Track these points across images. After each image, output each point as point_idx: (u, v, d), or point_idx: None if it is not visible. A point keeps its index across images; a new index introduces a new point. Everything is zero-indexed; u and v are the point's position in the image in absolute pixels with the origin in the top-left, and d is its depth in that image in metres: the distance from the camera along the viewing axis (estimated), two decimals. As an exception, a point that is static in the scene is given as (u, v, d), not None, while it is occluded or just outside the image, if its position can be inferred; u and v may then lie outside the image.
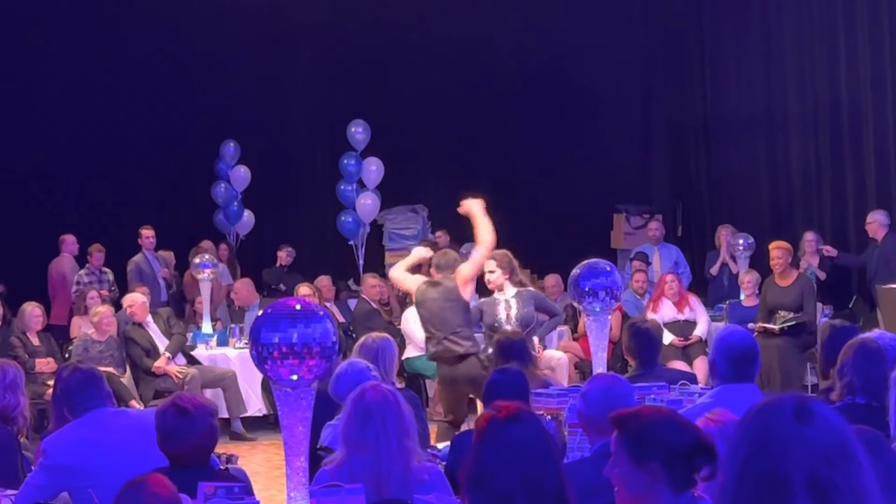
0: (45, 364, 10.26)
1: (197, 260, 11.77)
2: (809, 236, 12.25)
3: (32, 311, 10.55)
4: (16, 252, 13.25)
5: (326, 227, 15.48)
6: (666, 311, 11.09)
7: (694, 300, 11.40)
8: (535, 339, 8.92)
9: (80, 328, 10.99)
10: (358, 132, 15.06)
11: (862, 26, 12.99)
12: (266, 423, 10.81)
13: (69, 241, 13.24)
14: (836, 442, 2.06)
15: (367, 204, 14.94)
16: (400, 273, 8.62)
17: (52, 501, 4.74)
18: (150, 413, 4.80)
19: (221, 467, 4.96)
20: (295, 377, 3.78)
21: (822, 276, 11.93)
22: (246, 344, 9.74)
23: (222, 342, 11.18)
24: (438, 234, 13.93)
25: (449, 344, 8.14)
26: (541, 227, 15.27)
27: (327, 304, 11.63)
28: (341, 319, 12.17)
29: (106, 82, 14.67)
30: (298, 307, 3.84)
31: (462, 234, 8.71)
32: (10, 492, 4.92)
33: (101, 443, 4.76)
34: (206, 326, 11.36)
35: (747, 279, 11.44)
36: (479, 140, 15.61)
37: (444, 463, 5.21)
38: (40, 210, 14.15)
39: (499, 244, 9.06)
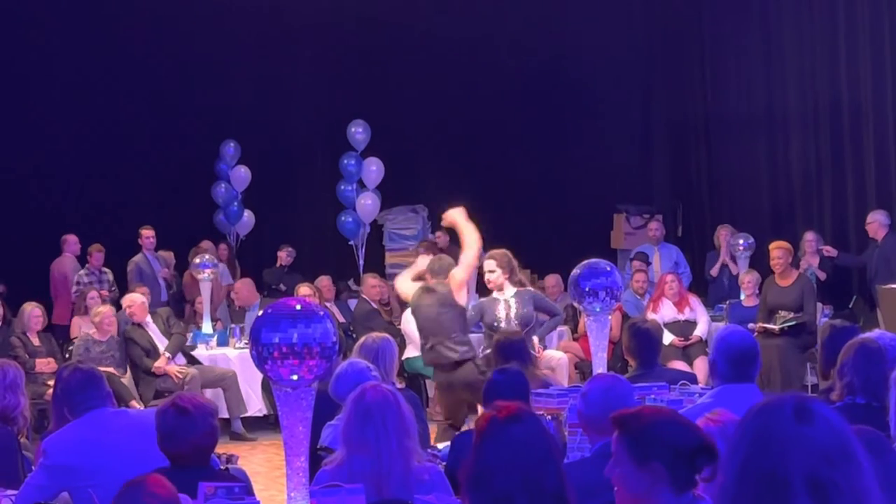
0: (45, 364, 10.26)
1: (197, 260, 11.77)
2: (809, 236, 12.25)
3: (32, 312, 10.56)
4: (16, 252, 13.25)
5: (326, 227, 15.48)
6: (666, 312, 11.09)
7: (694, 300, 11.40)
8: (535, 339, 8.92)
9: (81, 328, 10.99)
10: (358, 132, 15.06)
11: (862, 26, 12.99)
12: (266, 424, 10.81)
13: (71, 241, 13.24)
14: (837, 442, 2.06)
15: (368, 204, 14.94)
16: (405, 285, 8.67)
17: (53, 501, 4.74)
18: (150, 413, 4.80)
19: (222, 467, 4.96)
20: (295, 377, 3.78)
21: (823, 276, 11.92)
22: (246, 344, 9.74)
23: (222, 342, 11.18)
24: (438, 234, 13.93)
25: (444, 350, 8.18)
26: (541, 227, 15.28)
27: (327, 305, 11.63)
28: (341, 319, 12.17)
29: (106, 82, 14.66)
30: (299, 307, 3.84)
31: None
32: (10, 492, 4.92)
33: (102, 443, 4.75)
34: (207, 326, 11.37)
35: (747, 279, 11.44)
36: (479, 140, 15.61)
37: (444, 463, 5.21)
38: (40, 210, 14.14)
39: (499, 244, 9.09)
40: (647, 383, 5.86)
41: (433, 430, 7.77)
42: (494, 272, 8.64)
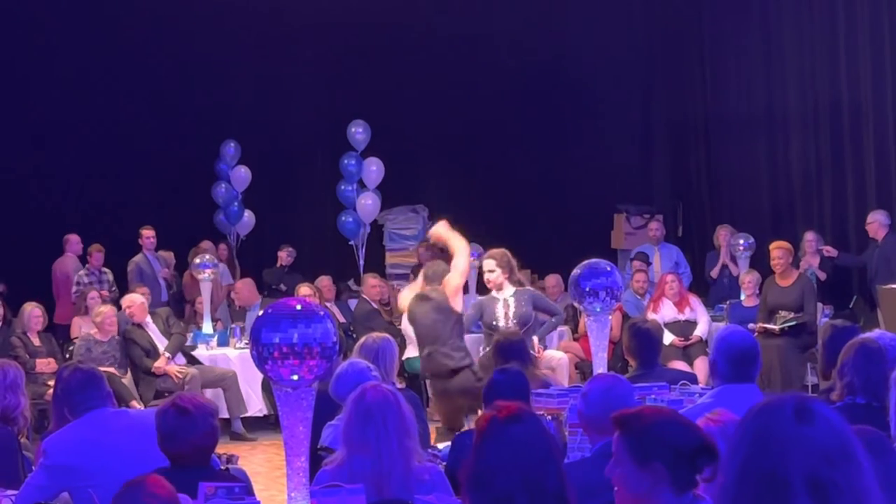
0: (45, 364, 10.26)
1: (197, 260, 11.77)
2: (810, 236, 12.25)
3: (32, 312, 10.56)
4: (16, 252, 13.25)
5: (327, 227, 15.47)
6: (666, 312, 11.09)
7: (694, 300, 11.40)
8: (535, 339, 8.93)
9: (81, 328, 10.99)
10: (358, 132, 15.05)
11: (862, 26, 12.98)
12: (266, 424, 10.81)
13: (73, 241, 13.24)
14: (837, 442, 2.06)
15: (368, 204, 14.94)
16: (407, 301, 8.72)
17: (53, 501, 4.74)
18: (150, 413, 4.80)
19: (222, 467, 4.96)
20: (295, 377, 3.78)
21: (823, 276, 11.92)
22: (246, 344, 9.74)
23: (223, 342, 11.18)
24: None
25: (441, 357, 8.22)
26: (541, 227, 15.28)
27: (328, 305, 11.63)
28: (342, 319, 12.17)
29: (106, 82, 14.66)
30: (299, 307, 3.84)
31: (462, 234, 8.73)
32: (10, 492, 4.92)
33: (102, 443, 4.75)
34: (207, 326, 11.37)
35: (748, 279, 11.44)
36: (479, 140, 15.61)
37: (444, 463, 5.21)
38: (40, 210, 14.14)
39: (499, 244, 9.10)
40: (647, 383, 5.86)
41: (433, 430, 7.78)
42: (494, 272, 8.66)
